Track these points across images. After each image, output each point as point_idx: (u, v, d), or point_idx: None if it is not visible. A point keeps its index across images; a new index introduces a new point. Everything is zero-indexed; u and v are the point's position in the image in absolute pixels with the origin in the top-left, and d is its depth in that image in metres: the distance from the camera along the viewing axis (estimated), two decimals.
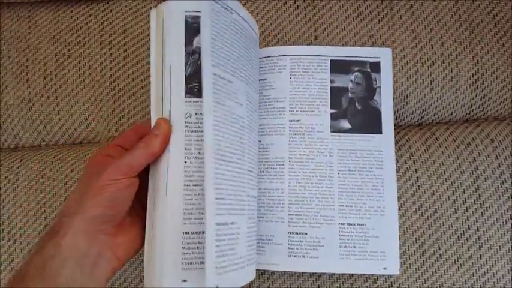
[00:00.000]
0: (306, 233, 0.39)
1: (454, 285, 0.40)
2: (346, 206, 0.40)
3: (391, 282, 0.40)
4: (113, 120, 0.48)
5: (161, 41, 0.31)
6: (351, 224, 0.39)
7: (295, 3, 0.48)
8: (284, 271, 0.41)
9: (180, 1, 0.31)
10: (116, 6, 0.51)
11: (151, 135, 0.30)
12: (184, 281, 0.29)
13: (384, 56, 0.43)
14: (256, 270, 0.41)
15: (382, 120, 0.42)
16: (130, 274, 0.42)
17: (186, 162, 0.30)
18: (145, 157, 0.30)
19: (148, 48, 0.48)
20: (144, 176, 0.31)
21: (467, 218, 0.41)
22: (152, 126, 0.31)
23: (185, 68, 0.31)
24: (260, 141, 0.41)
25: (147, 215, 0.31)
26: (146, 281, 0.30)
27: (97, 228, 0.28)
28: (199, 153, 0.31)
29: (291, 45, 0.47)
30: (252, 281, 0.42)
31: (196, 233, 0.30)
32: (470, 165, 0.42)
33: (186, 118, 0.31)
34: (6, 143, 0.50)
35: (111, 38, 0.50)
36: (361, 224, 0.39)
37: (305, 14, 0.48)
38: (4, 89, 0.50)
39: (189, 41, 0.31)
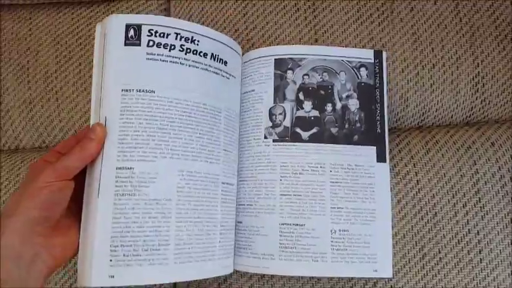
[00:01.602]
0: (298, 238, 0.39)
1: None
2: (338, 208, 0.39)
3: (391, 285, 0.40)
4: None
5: (103, 49, 0.34)
6: (342, 230, 0.39)
7: (295, 5, 0.48)
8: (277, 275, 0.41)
9: (121, 15, 0.34)
10: (117, 8, 0.51)
11: (86, 139, 0.32)
12: (111, 277, 0.31)
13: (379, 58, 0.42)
14: (256, 273, 0.41)
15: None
16: None
17: (118, 165, 0.32)
18: (80, 160, 0.31)
19: None
20: (83, 180, 0.33)
21: (468, 221, 0.41)
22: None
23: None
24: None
25: (82, 216, 0.33)
26: (79, 279, 0.32)
27: (32, 230, 0.29)
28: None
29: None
30: (251, 284, 0.42)
31: (125, 231, 0.32)
32: (471, 169, 0.42)
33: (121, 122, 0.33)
34: (7, 144, 0.50)
35: None
36: (350, 228, 0.39)
37: (305, 17, 0.48)
38: (5, 90, 0.50)
39: None
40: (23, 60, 0.51)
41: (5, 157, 0.48)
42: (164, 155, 0.33)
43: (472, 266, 0.40)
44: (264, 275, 0.42)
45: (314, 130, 0.41)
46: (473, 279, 0.40)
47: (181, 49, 0.35)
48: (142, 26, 0.34)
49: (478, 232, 0.41)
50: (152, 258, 0.32)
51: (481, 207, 0.41)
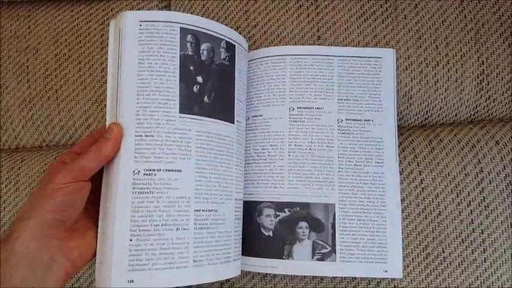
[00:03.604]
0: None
1: None
2: (345, 205, 0.39)
3: (394, 285, 0.40)
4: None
5: (117, 49, 0.33)
6: (350, 227, 0.39)
7: (297, 2, 0.48)
8: (285, 274, 0.41)
9: (135, 12, 0.34)
10: (117, 5, 0.50)
11: (103, 139, 0.31)
12: (130, 281, 0.30)
13: (386, 56, 0.42)
14: (258, 273, 0.41)
15: (383, 123, 0.41)
16: None
17: (135, 166, 0.31)
18: (96, 160, 0.30)
19: None
20: (99, 181, 0.32)
21: (472, 220, 0.41)
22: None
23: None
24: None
25: (100, 218, 0.32)
26: (97, 281, 0.31)
27: (47, 233, 0.28)
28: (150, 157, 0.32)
29: (293, 45, 0.46)
30: (254, 284, 0.41)
31: (144, 235, 0.31)
32: (475, 167, 0.42)
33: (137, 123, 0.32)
34: (7, 143, 0.50)
35: None
36: (361, 227, 0.39)
37: (308, 14, 0.47)
38: (4, 89, 0.50)
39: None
40: (23, 59, 0.50)
41: (5, 156, 0.48)
42: (183, 155, 0.33)
43: (476, 266, 0.40)
44: (266, 274, 0.41)
45: None
46: (477, 279, 0.40)
47: None
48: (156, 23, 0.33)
49: (482, 231, 0.40)
50: (172, 262, 0.31)
51: (485, 206, 0.41)
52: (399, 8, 0.47)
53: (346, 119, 0.41)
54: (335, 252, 0.39)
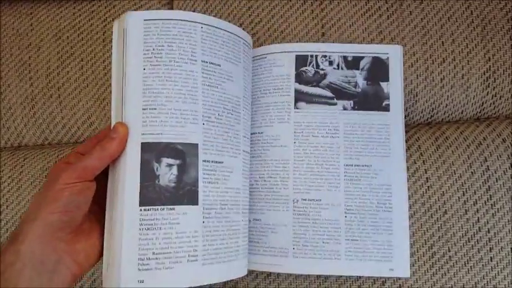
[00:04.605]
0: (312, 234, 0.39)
1: (463, 287, 0.39)
2: (352, 203, 0.39)
3: (400, 284, 0.40)
4: None
5: (122, 48, 0.33)
6: (356, 226, 0.39)
7: None
8: (291, 273, 0.40)
9: (139, 11, 0.34)
10: (119, 3, 0.50)
11: (107, 139, 0.31)
12: (141, 281, 0.30)
13: (393, 53, 0.42)
14: (262, 272, 0.41)
15: (391, 121, 0.41)
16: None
17: (142, 166, 0.31)
18: (100, 159, 0.30)
19: None
20: (104, 182, 0.32)
21: (478, 219, 0.40)
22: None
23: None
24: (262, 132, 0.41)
25: (106, 218, 0.32)
26: (105, 282, 0.31)
27: (54, 236, 0.28)
28: None
29: (297, 41, 0.46)
30: (258, 283, 0.41)
31: (152, 234, 0.31)
32: (481, 165, 0.41)
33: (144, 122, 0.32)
34: (10, 141, 0.50)
35: None
36: (367, 225, 0.39)
37: (312, 10, 0.47)
38: (7, 87, 0.49)
39: None
40: (25, 56, 0.50)
41: (7, 154, 0.48)
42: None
43: (482, 264, 0.39)
44: (270, 273, 0.41)
45: None
46: (483, 278, 0.39)
47: None
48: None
49: (488, 230, 0.40)
50: (183, 261, 0.31)
51: (491, 204, 0.40)
52: (404, 4, 0.46)
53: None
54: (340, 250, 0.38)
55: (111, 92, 0.47)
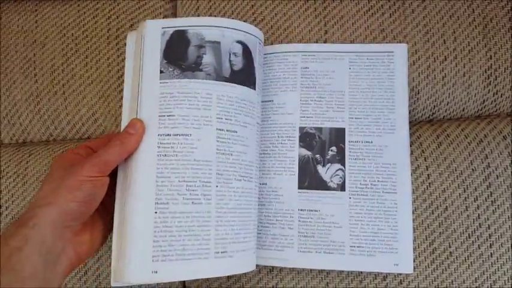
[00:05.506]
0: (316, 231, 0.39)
1: (464, 283, 0.40)
2: (357, 198, 0.40)
3: (401, 279, 0.40)
4: (121, 115, 0.48)
5: (139, 51, 0.35)
6: (361, 220, 0.39)
7: None
8: (293, 268, 0.41)
9: (157, 20, 0.36)
10: (123, 0, 0.50)
11: (125, 134, 0.31)
12: (154, 272, 0.30)
13: (398, 51, 0.43)
14: (265, 267, 0.41)
15: (396, 118, 0.41)
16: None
17: (158, 161, 0.32)
18: (119, 154, 0.31)
19: None
20: (110, 177, 0.32)
21: (479, 215, 0.41)
22: (124, 127, 0.32)
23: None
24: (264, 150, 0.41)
25: (115, 213, 0.32)
26: (117, 277, 0.31)
27: (65, 224, 0.28)
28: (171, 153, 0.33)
29: (300, 41, 0.46)
30: (260, 278, 0.42)
31: (170, 224, 0.31)
32: (482, 163, 0.42)
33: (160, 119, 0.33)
34: (15, 138, 0.50)
35: (119, 33, 0.49)
36: (372, 220, 0.39)
37: (315, 8, 0.47)
38: (12, 84, 0.50)
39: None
40: (30, 53, 0.50)
41: (13, 150, 0.48)
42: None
43: (482, 260, 0.40)
44: (272, 268, 0.41)
45: None
46: (484, 274, 0.40)
47: None
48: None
49: (488, 226, 0.40)
50: (196, 252, 0.32)
51: (492, 201, 0.41)
52: (407, 3, 0.46)
53: (358, 112, 0.42)
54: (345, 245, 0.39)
55: (115, 89, 0.48)
